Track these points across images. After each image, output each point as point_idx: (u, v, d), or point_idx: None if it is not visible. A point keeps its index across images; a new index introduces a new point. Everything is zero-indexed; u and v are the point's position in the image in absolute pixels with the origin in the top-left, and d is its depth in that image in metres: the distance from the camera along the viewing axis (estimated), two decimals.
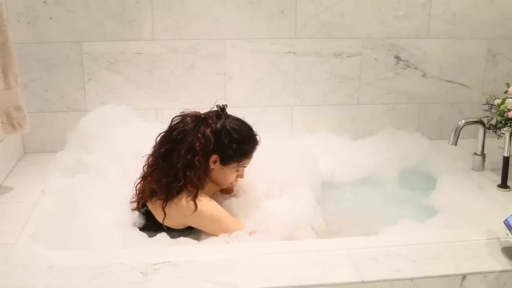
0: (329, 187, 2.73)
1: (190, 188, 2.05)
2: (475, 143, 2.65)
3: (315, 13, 2.85)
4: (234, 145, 2.09)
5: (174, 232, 2.09)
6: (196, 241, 2.07)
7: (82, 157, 2.44)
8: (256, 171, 2.30)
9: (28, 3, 2.64)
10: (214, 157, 2.10)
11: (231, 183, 2.24)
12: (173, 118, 2.14)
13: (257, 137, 2.19)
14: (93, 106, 2.76)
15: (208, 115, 2.13)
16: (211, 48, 2.83)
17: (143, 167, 2.15)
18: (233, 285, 1.69)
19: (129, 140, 2.44)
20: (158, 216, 2.09)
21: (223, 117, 2.13)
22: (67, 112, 2.79)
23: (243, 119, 2.18)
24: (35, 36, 2.69)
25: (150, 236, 2.06)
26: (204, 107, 2.86)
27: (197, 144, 2.04)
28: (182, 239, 2.06)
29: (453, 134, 2.51)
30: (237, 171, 2.19)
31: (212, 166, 2.12)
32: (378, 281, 1.74)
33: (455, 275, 1.78)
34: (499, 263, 1.84)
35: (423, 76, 3.03)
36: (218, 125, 2.10)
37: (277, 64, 2.90)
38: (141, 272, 1.74)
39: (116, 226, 2.07)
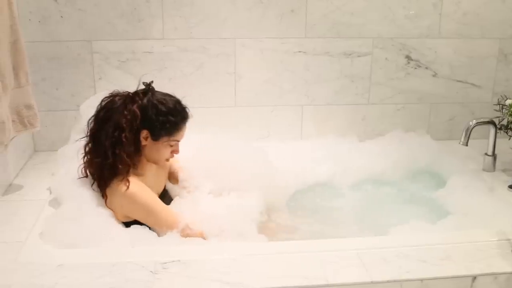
0: (339, 188, 2.73)
1: (120, 166, 2.06)
2: (486, 144, 2.64)
3: (326, 12, 2.84)
4: (161, 118, 2.11)
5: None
6: (205, 241, 2.07)
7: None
8: (209, 171, 2.37)
9: (39, 2, 2.65)
10: (144, 132, 2.11)
11: (167, 160, 2.25)
12: (102, 99, 2.15)
13: (187, 109, 2.20)
14: None
15: (135, 93, 2.14)
16: (221, 47, 2.83)
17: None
18: (242, 285, 1.69)
19: None
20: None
21: (150, 93, 2.14)
22: (77, 111, 2.78)
23: (171, 94, 2.21)
24: (46, 35, 2.70)
25: (160, 235, 2.06)
26: (213, 106, 2.88)
27: (124, 120, 2.06)
28: (191, 239, 2.06)
29: (464, 135, 2.50)
30: (171, 146, 2.19)
31: (144, 142, 2.13)
32: (388, 281, 1.74)
33: (466, 276, 1.77)
34: (510, 264, 1.83)
35: (434, 76, 3.02)
36: (145, 101, 2.11)
37: (287, 63, 2.90)
38: (151, 271, 1.75)
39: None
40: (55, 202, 2.20)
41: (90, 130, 2.13)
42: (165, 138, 2.15)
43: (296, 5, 2.81)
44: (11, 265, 1.79)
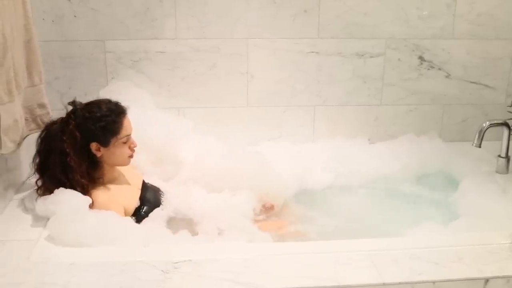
0: (351, 189, 2.72)
1: (78, 189, 2.08)
2: (499, 146, 2.62)
3: (339, 13, 2.83)
4: (99, 124, 2.12)
5: None
6: (216, 240, 2.07)
7: None
8: (203, 171, 2.45)
9: (53, 2, 2.66)
10: (93, 145, 2.13)
11: (129, 157, 2.23)
12: (41, 132, 2.19)
13: (119, 104, 2.20)
14: None
15: (67, 116, 2.16)
16: (234, 47, 2.83)
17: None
18: (253, 285, 1.69)
19: (140, 124, 2.42)
20: None
21: (78, 109, 2.15)
22: None
23: (96, 99, 2.22)
24: (59, 34, 2.71)
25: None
26: (226, 106, 2.88)
27: (65, 145, 2.08)
28: (202, 238, 2.07)
29: (477, 136, 2.48)
30: (124, 142, 2.18)
31: (98, 154, 2.15)
32: (400, 283, 1.73)
33: (478, 279, 1.76)
34: None
35: (447, 77, 3.00)
36: (77, 119, 2.12)
37: (300, 63, 2.90)
38: (162, 270, 1.75)
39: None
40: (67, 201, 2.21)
41: (37, 165, 2.16)
42: (114, 139, 2.15)
43: (309, 5, 2.81)
44: (23, 264, 1.80)
